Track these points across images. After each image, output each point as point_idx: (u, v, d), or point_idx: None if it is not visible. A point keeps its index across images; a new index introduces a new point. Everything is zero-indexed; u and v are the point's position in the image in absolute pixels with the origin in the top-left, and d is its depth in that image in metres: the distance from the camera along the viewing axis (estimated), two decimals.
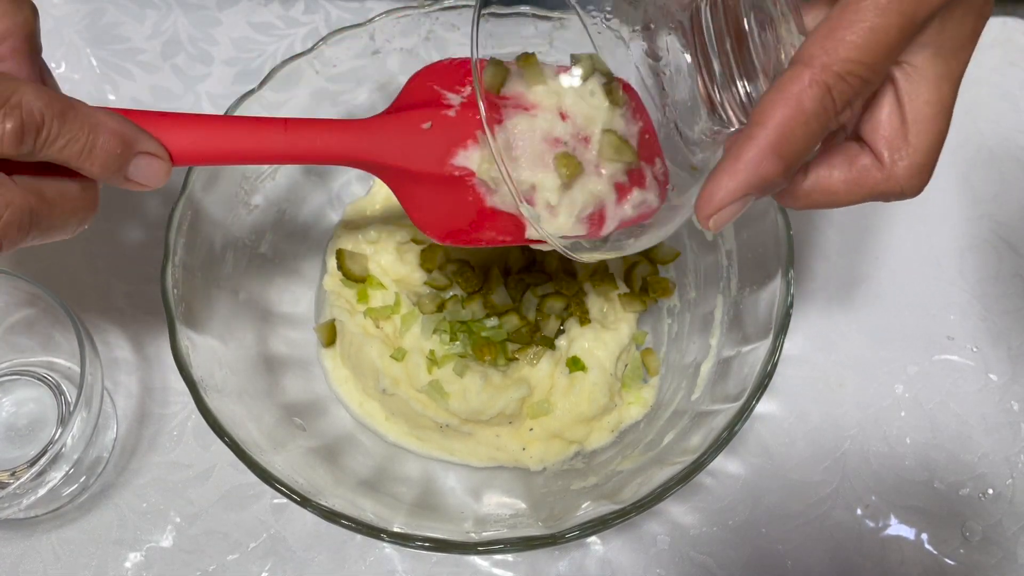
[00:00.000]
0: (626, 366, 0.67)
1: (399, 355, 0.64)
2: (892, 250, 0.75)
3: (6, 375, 0.67)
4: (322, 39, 0.63)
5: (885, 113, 0.43)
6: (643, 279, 0.69)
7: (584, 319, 0.66)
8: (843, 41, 0.39)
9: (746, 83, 0.44)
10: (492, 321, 0.65)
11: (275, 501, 0.65)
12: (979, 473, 0.67)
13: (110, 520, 0.64)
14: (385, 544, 0.63)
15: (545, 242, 0.51)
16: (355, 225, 0.69)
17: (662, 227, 0.51)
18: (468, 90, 0.53)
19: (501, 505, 0.62)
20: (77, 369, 0.56)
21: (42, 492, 0.58)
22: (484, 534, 0.54)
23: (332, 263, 0.68)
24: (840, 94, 0.39)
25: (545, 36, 0.62)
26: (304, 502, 0.51)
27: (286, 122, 0.50)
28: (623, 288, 0.68)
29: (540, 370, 0.65)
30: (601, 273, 0.67)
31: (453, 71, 0.54)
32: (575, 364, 0.65)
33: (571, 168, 0.49)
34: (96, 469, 0.65)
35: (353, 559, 0.63)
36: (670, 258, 0.70)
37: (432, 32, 0.65)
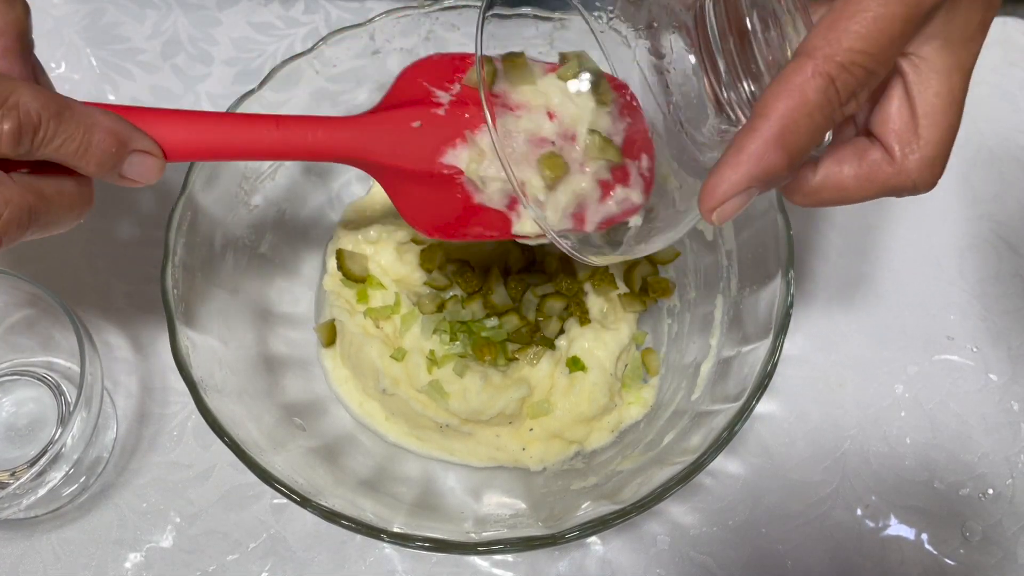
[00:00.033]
0: (626, 366, 0.67)
1: (399, 355, 0.64)
2: (892, 250, 0.75)
3: (6, 375, 0.67)
4: (322, 39, 0.63)
5: (895, 107, 0.42)
6: (643, 279, 0.69)
7: (584, 319, 0.66)
8: (846, 31, 0.38)
9: (751, 82, 0.43)
10: (492, 321, 0.65)
11: (275, 501, 0.65)
12: (979, 473, 0.67)
13: (110, 520, 0.64)
14: (385, 544, 0.63)
15: (530, 237, 0.53)
16: (355, 225, 0.69)
17: (672, 229, 0.51)
18: (457, 88, 0.53)
19: (501, 505, 0.62)
20: (77, 369, 0.56)
21: (42, 492, 0.58)
22: (484, 534, 0.54)
23: (332, 263, 0.68)
24: (844, 85, 0.39)
25: (546, 37, 0.62)
26: (304, 502, 0.51)
27: (278, 119, 0.50)
28: (623, 288, 0.68)
29: (540, 370, 0.65)
30: (601, 273, 0.67)
31: (443, 67, 0.54)
32: (575, 364, 0.65)
33: (556, 169, 0.50)
34: (96, 469, 0.65)
35: (353, 559, 0.63)
36: (670, 258, 0.70)
37: (432, 32, 0.65)
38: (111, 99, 0.78)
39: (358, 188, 0.73)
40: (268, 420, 0.59)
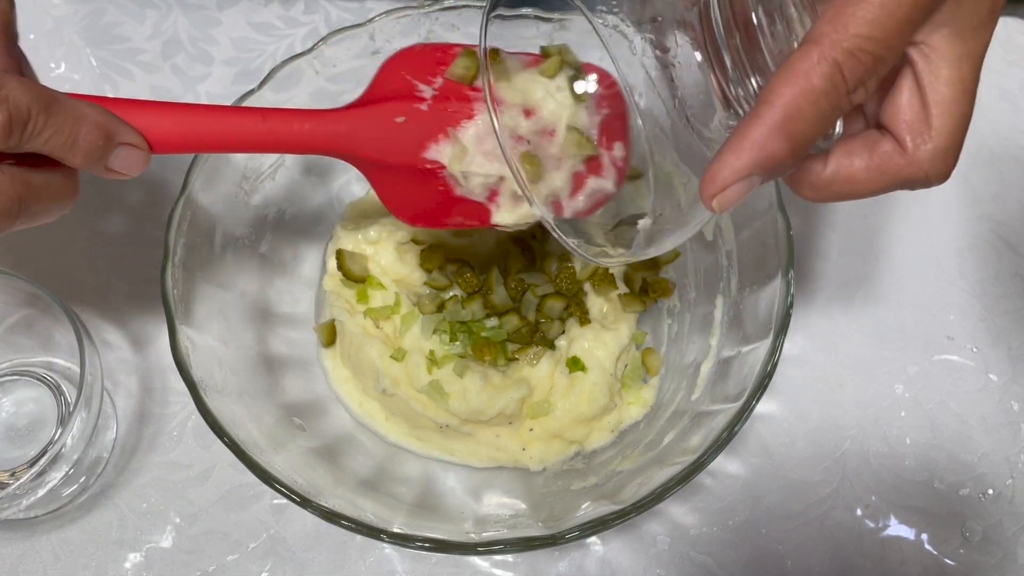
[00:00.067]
0: (626, 366, 0.67)
1: (399, 355, 0.64)
2: (892, 250, 0.75)
3: (6, 375, 0.67)
4: (322, 39, 0.63)
5: (905, 97, 0.41)
6: (643, 279, 0.69)
7: (584, 319, 0.66)
8: (853, 17, 0.37)
9: (758, 77, 0.43)
10: (492, 321, 0.65)
11: (275, 501, 0.65)
12: (979, 473, 0.67)
13: (110, 520, 0.64)
14: (385, 544, 0.63)
15: (508, 226, 0.54)
16: (355, 225, 0.69)
17: (681, 229, 0.51)
18: (440, 81, 0.54)
19: (501, 505, 0.62)
20: (77, 369, 0.56)
21: (42, 492, 0.58)
22: (484, 534, 0.54)
23: (332, 263, 0.68)
24: (851, 71, 0.38)
25: (546, 37, 0.62)
26: (304, 502, 0.51)
27: (265, 112, 0.51)
28: (623, 288, 0.68)
29: (540, 370, 0.65)
30: (601, 273, 0.67)
31: (425, 59, 0.55)
32: (575, 364, 0.65)
33: (535, 167, 0.51)
34: (96, 469, 0.65)
35: (353, 559, 0.63)
36: (670, 259, 0.70)
37: (432, 32, 0.65)
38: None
39: (358, 188, 0.73)
40: (268, 420, 0.59)
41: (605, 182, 0.54)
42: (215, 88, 0.79)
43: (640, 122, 0.54)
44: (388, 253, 0.68)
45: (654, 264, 0.70)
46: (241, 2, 0.82)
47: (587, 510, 0.54)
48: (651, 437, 0.62)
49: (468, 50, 0.54)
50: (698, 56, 0.45)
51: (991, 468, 0.67)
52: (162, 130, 0.47)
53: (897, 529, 0.65)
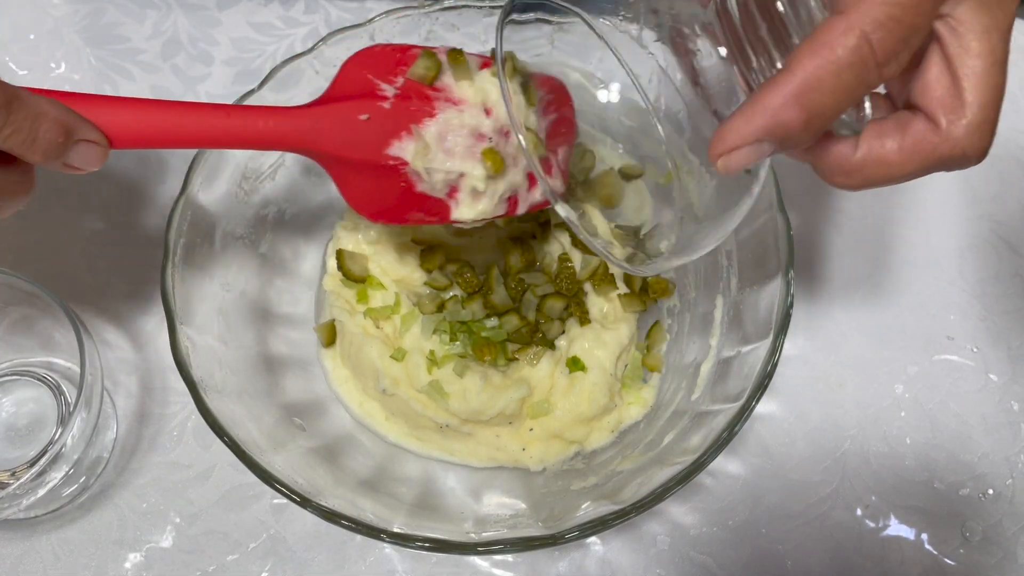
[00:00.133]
0: (626, 366, 0.67)
1: (399, 355, 0.64)
2: (892, 250, 0.75)
3: (6, 375, 0.67)
4: (322, 39, 0.63)
5: (934, 73, 0.40)
6: (643, 279, 0.69)
7: (584, 319, 0.66)
8: None
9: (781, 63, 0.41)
10: (492, 321, 0.65)
11: (275, 501, 0.65)
12: (979, 473, 0.67)
13: (110, 520, 0.64)
14: (385, 544, 0.63)
15: (467, 223, 0.56)
16: (355, 225, 0.69)
17: (715, 229, 0.51)
18: (401, 81, 0.55)
19: (501, 505, 0.62)
20: (77, 369, 0.56)
21: (42, 492, 0.58)
22: (484, 534, 0.54)
23: (332, 263, 0.68)
24: (880, 42, 0.36)
25: (547, 38, 0.62)
26: (304, 502, 0.51)
27: (229, 108, 0.51)
28: (623, 288, 0.68)
29: (540, 370, 0.65)
30: (601, 273, 0.67)
31: (386, 59, 0.56)
32: (575, 364, 0.65)
33: (496, 163, 0.54)
34: (96, 469, 0.65)
35: (353, 559, 0.63)
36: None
37: (432, 32, 0.65)
38: None
39: None
40: (268, 420, 0.59)
41: (555, 181, 0.56)
42: (215, 88, 0.79)
43: (661, 129, 0.55)
44: (388, 253, 0.68)
45: None
46: (241, 2, 0.82)
47: (587, 510, 0.54)
48: (651, 437, 0.62)
49: (428, 51, 0.55)
50: (722, 50, 0.44)
51: (991, 468, 0.67)
52: (122, 125, 0.47)
53: (897, 529, 0.65)
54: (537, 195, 0.57)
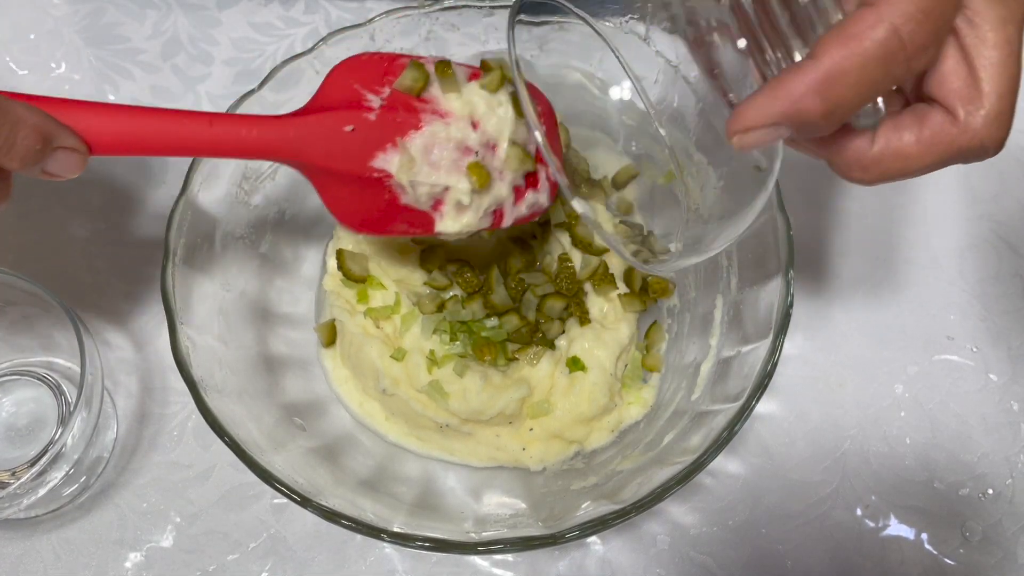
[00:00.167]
0: (626, 366, 0.67)
1: (399, 355, 0.64)
2: (892, 250, 0.75)
3: (6, 375, 0.67)
4: (322, 39, 0.63)
5: (950, 65, 0.39)
6: (643, 279, 0.69)
7: (584, 319, 0.66)
8: None
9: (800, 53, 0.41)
10: (492, 321, 0.65)
11: (275, 501, 0.65)
12: (979, 473, 0.67)
13: (110, 520, 0.64)
14: (385, 544, 0.63)
15: (450, 235, 0.56)
16: None
17: (732, 223, 0.51)
18: (387, 91, 0.54)
19: (501, 505, 0.62)
20: (77, 369, 0.56)
21: (42, 492, 0.58)
22: (484, 534, 0.54)
23: (332, 263, 0.68)
24: (911, 35, 0.36)
25: (538, 40, 0.62)
26: (304, 502, 0.51)
27: (213, 116, 0.50)
28: (623, 288, 0.68)
29: (540, 370, 0.65)
30: (601, 273, 0.67)
31: (372, 68, 0.55)
32: (575, 364, 0.65)
33: (482, 177, 0.53)
34: (96, 469, 0.65)
35: (353, 559, 0.63)
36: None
37: (432, 32, 0.65)
38: (111, 99, 0.78)
39: None
40: (268, 420, 0.59)
41: (540, 195, 0.57)
42: (215, 88, 0.79)
43: (661, 129, 0.55)
44: (388, 253, 0.68)
45: None
46: (241, 2, 0.82)
47: (587, 510, 0.54)
48: (651, 437, 0.62)
49: (416, 62, 0.54)
50: (741, 42, 0.44)
51: (991, 468, 0.67)
52: (102, 131, 0.47)
53: (897, 529, 0.66)
54: (523, 209, 0.57)
